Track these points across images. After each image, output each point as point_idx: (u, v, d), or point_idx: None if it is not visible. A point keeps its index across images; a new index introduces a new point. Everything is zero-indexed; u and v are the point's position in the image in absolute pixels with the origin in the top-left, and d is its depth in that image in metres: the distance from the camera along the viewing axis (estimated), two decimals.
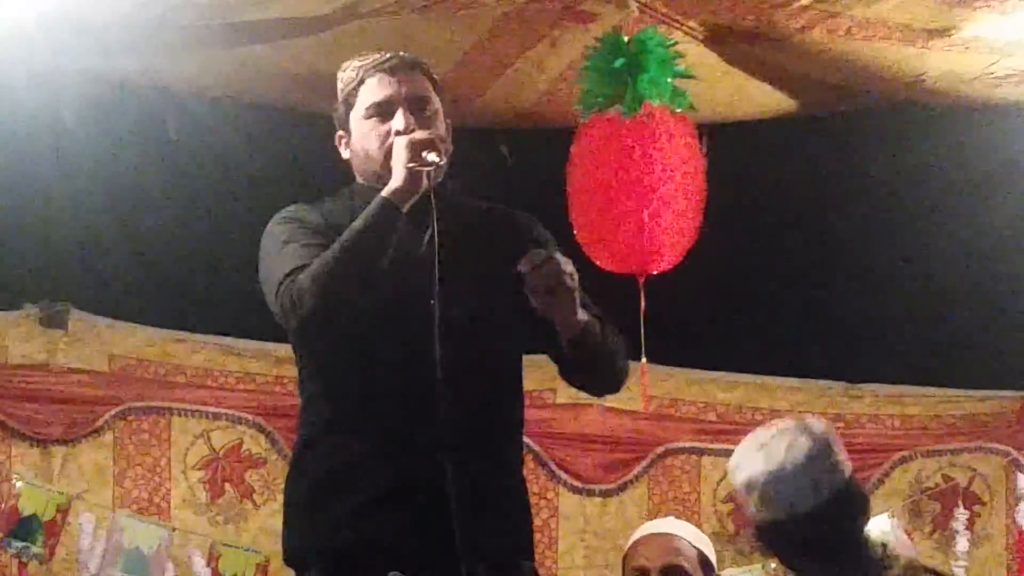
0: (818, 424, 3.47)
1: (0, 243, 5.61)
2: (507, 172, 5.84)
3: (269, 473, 5.95)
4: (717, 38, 5.36)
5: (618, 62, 5.05)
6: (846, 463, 3.43)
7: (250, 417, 5.98)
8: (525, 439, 3.31)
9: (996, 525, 6.46)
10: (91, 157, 5.50)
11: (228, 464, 5.97)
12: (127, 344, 5.88)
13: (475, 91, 5.58)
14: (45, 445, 5.73)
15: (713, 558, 4.42)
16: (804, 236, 6.25)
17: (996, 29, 5.12)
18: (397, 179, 3.06)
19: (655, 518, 5.40)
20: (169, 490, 5.88)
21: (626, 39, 5.09)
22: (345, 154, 3.29)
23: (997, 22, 5.07)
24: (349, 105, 3.24)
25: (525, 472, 3.28)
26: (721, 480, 6.36)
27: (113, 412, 5.81)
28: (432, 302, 3.04)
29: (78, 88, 5.24)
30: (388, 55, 3.23)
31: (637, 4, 5.12)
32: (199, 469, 5.94)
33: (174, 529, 5.75)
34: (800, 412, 4.43)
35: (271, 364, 5.93)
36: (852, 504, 3.43)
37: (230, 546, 5.81)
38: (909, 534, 6.14)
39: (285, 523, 3.21)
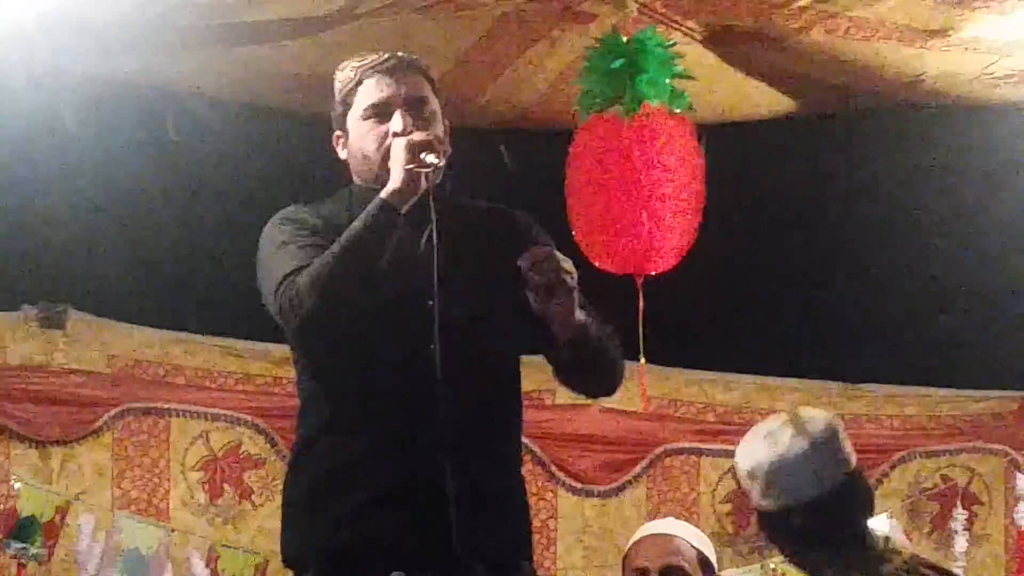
0: (825, 415, 3.49)
1: None
2: (506, 172, 5.84)
3: (268, 474, 5.95)
4: (716, 38, 5.37)
5: (617, 62, 5.05)
6: (851, 456, 3.44)
7: (249, 418, 5.98)
8: (524, 439, 3.31)
9: (995, 525, 6.46)
10: (90, 158, 5.50)
11: (227, 465, 5.97)
12: (126, 345, 5.88)
13: (474, 91, 5.58)
14: (44, 446, 5.73)
15: (713, 559, 4.43)
16: (802, 236, 6.25)
17: (995, 29, 5.13)
18: (395, 181, 3.06)
19: (654, 519, 5.40)
20: (168, 491, 5.88)
21: (625, 39, 5.09)
22: (343, 154, 3.28)
23: (996, 22, 5.08)
24: (347, 106, 3.23)
25: (524, 472, 3.27)
26: (720, 481, 6.36)
27: (112, 413, 5.81)
28: (431, 302, 3.04)
29: (78, 88, 5.25)
30: (386, 55, 3.21)
31: (636, 4, 5.12)
32: (198, 470, 5.94)
33: (173, 530, 5.75)
34: None
35: (270, 365, 5.93)
36: (855, 497, 3.44)
37: (229, 547, 5.81)
38: (908, 535, 6.14)
39: (284, 524, 3.21)
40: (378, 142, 3.17)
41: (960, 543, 6.24)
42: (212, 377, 5.99)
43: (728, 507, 6.36)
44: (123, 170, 5.62)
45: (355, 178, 3.27)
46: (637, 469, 6.34)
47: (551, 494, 6.26)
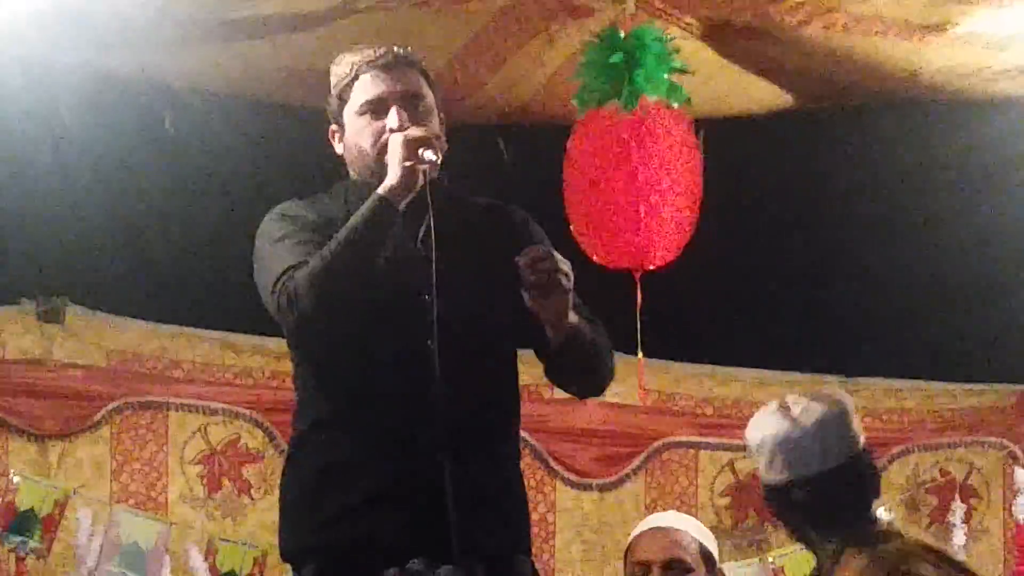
0: (837, 393, 3.52)
1: None
2: (504, 167, 5.84)
3: (266, 468, 5.96)
4: (714, 33, 5.36)
5: (615, 57, 5.05)
6: (860, 435, 3.46)
7: (247, 412, 5.99)
8: (522, 434, 3.31)
9: (993, 519, 6.47)
10: (88, 152, 5.50)
11: (225, 459, 5.98)
12: (124, 339, 5.88)
13: (472, 86, 5.58)
14: (42, 440, 5.74)
15: (715, 552, 4.42)
16: (800, 231, 6.25)
17: (993, 24, 5.13)
18: (393, 177, 3.05)
19: (652, 512, 5.40)
20: (166, 485, 5.89)
21: (623, 34, 5.09)
22: (339, 149, 3.27)
23: (994, 17, 5.08)
24: (343, 100, 3.22)
25: (522, 467, 3.27)
26: (718, 474, 6.37)
27: (110, 407, 5.82)
28: (427, 297, 3.04)
29: (75, 83, 5.24)
30: (381, 51, 3.20)
31: None
32: (196, 464, 5.95)
33: (171, 524, 5.76)
34: None
35: (268, 359, 5.94)
36: (860, 476, 3.46)
37: (227, 540, 5.82)
38: (906, 528, 6.14)
39: (281, 519, 3.20)
40: (374, 138, 3.16)
41: (958, 536, 6.24)
42: (211, 371, 6.00)
43: (726, 500, 6.37)
44: (120, 165, 5.62)
45: (351, 173, 3.26)
46: (635, 463, 6.35)
47: (549, 488, 6.27)
